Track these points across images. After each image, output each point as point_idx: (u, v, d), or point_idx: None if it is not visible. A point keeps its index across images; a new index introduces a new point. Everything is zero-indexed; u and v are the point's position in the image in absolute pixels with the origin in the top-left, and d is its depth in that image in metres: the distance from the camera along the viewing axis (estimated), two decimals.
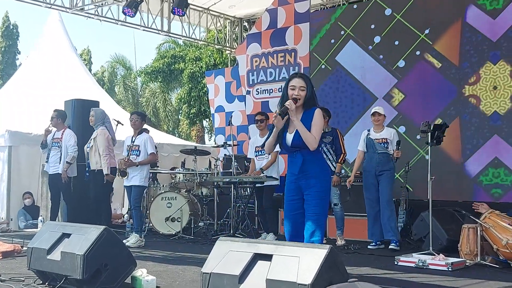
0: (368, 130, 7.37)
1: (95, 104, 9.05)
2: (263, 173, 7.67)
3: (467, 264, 5.71)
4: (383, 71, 9.89)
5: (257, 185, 7.83)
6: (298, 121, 4.22)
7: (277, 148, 7.73)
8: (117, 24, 11.33)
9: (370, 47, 10.11)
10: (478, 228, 5.82)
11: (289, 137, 4.29)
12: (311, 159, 4.26)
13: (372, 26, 10.09)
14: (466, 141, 8.83)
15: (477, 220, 5.88)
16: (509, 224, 5.66)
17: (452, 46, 9.09)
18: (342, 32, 10.51)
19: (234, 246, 3.54)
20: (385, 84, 9.83)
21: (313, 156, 4.27)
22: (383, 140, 7.17)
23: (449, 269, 5.42)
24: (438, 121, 8.08)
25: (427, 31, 9.39)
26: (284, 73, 10.85)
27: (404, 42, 9.64)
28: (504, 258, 5.66)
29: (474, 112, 8.81)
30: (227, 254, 3.48)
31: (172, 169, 10.53)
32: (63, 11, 10.89)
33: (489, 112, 8.67)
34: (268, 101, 10.96)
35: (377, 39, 10.04)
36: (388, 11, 9.91)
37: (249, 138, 9.81)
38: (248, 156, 8.48)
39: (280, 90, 10.80)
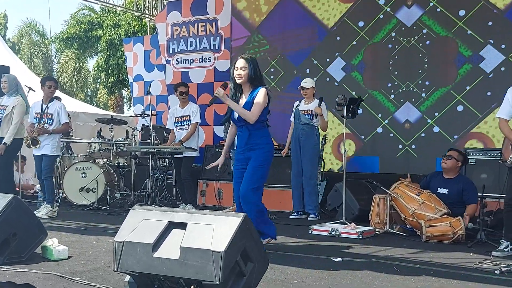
0: (300, 101, 7.47)
1: (5, 69, 8.59)
2: (182, 145, 7.61)
3: (376, 232, 5.95)
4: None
5: (175, 155, 7.77)
6: (230, 102, 4.81)
7: (197, 119, 7.82)
8: None
9: None
10: (388, 198, 6.07)
11: (236, 113, 4.86)
12: (256, 133, 4.86)
13: None
14: None
15: (387, 190, 6.12)
16: (416, 194, 5.93)
17: None
18: None
19: (149, 214, 3.48)
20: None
21: (258, 130, 4.86)
22: (308, 111, 7.28)
23: (360, 237, 5.64)
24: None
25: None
26: (205, 43, 10.73)
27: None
28: (410, 227, 5.95)
29: None
30: (141, 223, 3.42)
31: None
32: None
33: None
34: (188, 71, 10.84)
35: None
36: None
37: (169, 108, 9.67)
38: (167, 127, 8.37)
39: (200, 60, 10.72)
